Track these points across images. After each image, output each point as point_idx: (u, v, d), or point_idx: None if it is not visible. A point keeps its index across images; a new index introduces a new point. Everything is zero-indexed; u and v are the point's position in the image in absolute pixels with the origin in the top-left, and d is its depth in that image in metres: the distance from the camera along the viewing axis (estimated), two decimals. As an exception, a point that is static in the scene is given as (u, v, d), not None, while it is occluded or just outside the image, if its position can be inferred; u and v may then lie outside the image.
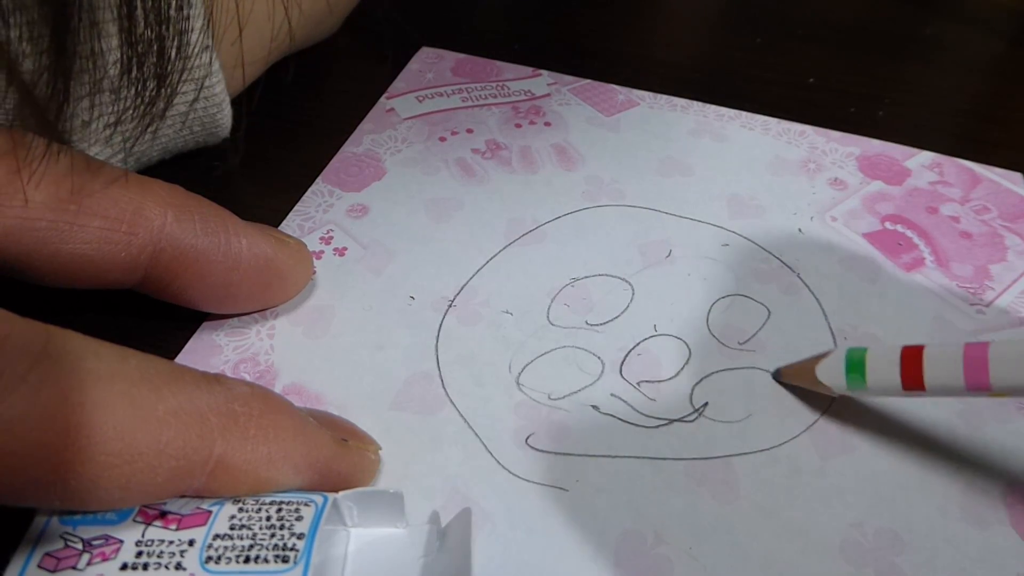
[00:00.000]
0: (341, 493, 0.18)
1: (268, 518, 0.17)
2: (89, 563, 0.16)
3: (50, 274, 0.20)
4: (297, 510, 0.17)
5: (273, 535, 0.17)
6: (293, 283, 0.24)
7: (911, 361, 0.20)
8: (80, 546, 0.16)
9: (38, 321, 0.16)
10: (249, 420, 0.17)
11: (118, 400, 0.16)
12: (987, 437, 0.22)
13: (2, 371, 0.15)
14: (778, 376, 0.24)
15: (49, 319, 0.16)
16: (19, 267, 0.19)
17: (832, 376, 0.22)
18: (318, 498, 0.18)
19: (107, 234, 0.20)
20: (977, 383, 0.19)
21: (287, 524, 0.17)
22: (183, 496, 0.17)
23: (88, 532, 0.16)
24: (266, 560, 0.16)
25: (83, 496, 0.16)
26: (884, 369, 0.20)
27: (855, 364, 0.21)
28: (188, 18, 0.25)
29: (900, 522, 0.21)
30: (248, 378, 0.23)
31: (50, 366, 0.15)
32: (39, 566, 0.16)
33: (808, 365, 0.22)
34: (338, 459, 0.19)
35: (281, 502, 0.17)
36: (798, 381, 0.23)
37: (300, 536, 0.17)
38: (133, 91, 0.21)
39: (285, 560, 0.16)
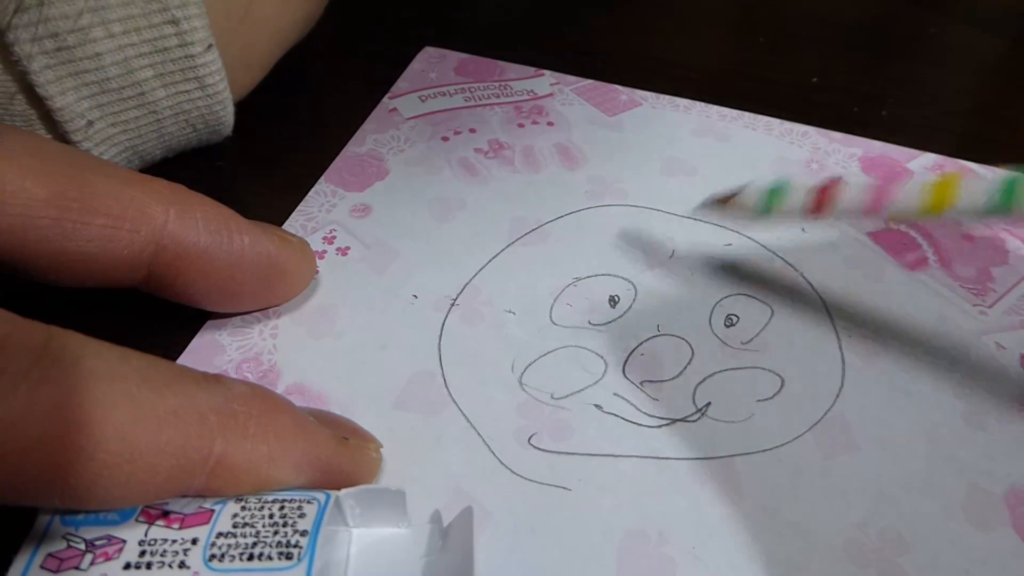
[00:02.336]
0: (343, 491, 0.18)
1: (271, 516, 0.17)
2: (92, 563, 0.16)
3: (54, 272, 0.20)
4: (300, 507, 0.17)
5: (276, 532, 0.17)
6: (296, 281, 0.24)
7: (824, 191, 0.22)
8: (83, 546, 0.16)
9: (38, 321, 0.16)
10: (249, 419, 0.17)
11: (118, 399, 0.16)
12: (990, 438, 0.22)
13: (2, 370, 0.15)
14: (712, 203, 0.26)
15: (52, 320, 0.16)
16: (23, 266, 0.20)
17: (751, 201, 0.24)
18: (320, 495, 0.18)
19: (110, 231, 0.20)
20: (876, 206, 0.21)
21: (290, 521, 0.17)
22: (184, 496, 0.17)
23: (90, 532, 0.16)
24: (270, 557, 0.16)
25: (83, 495, 0.16)
26: (800, 195, 0.23)
27: (776, 190, 0.23)
28: (190, 17, 0.25)
29: (903, 523, 0.21)
30: (251, 378, 0.23)
31: (50, 365, 0.15)
32: (42, 567, 0.16)
33: (735, 191, 0.25)
34: (339, 457, 0.19)
35: (284, 500, 0.17)
36: (726, 209, 0.25)
37: (303, 533, 0.17)
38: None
39: (289, 557, 0.16)
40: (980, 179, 0.20)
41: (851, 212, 0.21)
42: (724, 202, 0.25)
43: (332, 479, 0.18)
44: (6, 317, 0.16)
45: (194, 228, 0.21)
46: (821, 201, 0.22)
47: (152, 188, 0.21)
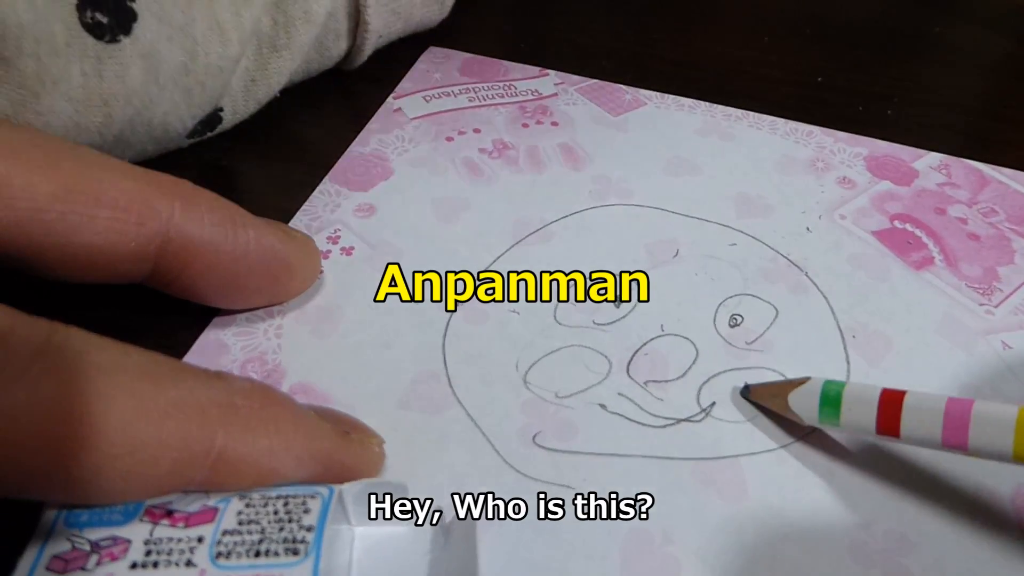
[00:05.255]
0: (346, 484, 0.18)
1: (275, 512, 0.17)
2: (98, 563, 0.16)
3: (60, 267, 0.20)
4: (304, 503, 0.17)
5: (282, 528, 0.17)
6: (301, 277, 0.24)
7: (889, 407, 0.19)
8: (87, 547, 0.16)
9: (41, 317, 0.16)
10: (250, 413, 0.17)
11: (120, 392, 0.16)
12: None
13: (5, 363, 0.15)
14: (746, 393, 0.23)
15: (58, 316, 0.16)
16: (30, 260, 0.20)
17: (805, 406, 0.21)
18: (324, 490, 0.18)
19: (116, 225, 0.20)
20: (955, 441, 0.18)
21: (295, 517, 0.17)
22: (186, 490, 0.17)
23: (95, 533, 0.16)
24: (276, 553, 0.16)
25: (85, 488, 0.16)
26: (860, 410, 0.20)
27: (830, 399, 0.20)
28: None
29: (908, 523, 0.20)
30: (256, 377, 0.23)
31: (52, 358, 0.15)
32: (47, 568, 0.16)
33: (781, 389, 0.22)
34: (341, 451, 0.19)
35: (288, 496, 0.17)
36: (767, 403, 0.22)
37: (309, 528, 0.17)
38: None
39: (295, 553, 0.16)
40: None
41: (926, 441, 0.19)
42: (765, 394, 0.22)
43: (334, 473, 0.18)
44: (9, 312, 0.16)
45: (199, 222, 0.21)
46: (887, 419, 0.19)
47: (158, 182, 0.21)
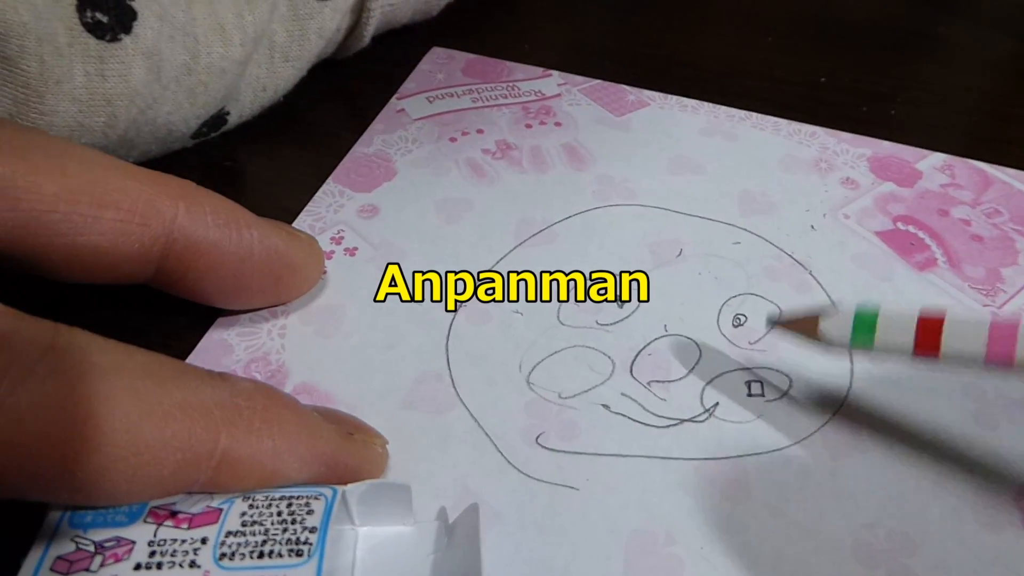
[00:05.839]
0: (349, 485, 0.18)
1: (279, 513, 0.17)
2: (102, 564, 0.16)
3: (65, 268, 0.20)
4: (307, 504, 0.17)
5: (285, 530, 0.17)
6: (305, 277, 0.24)
7: (929, 325, 0.19)
8: (92, 548, 0.16)
9: (46, 319, 0.16)
10: (253, 414, 0.17)
11: (123, 393, 0.16)
12: (1000, 439, 0.22)
13: (9, 364, 0.15)
14: (774, 320, 0.23)
15: (62, 317, 0.16)
16: (35, 261, 0.20)
17: (837, 332, 0.21)
18: (327, 491, 0.18)
19: (120, 225, 0.20)
20: (1001, 355, 0.18)
21: (298, 518, 0.17)
22: (190, 492, 0.17)
23: (99, 535, 0.16)
24: (280, 555, 0.16)
25: (89, 489, 0.16)
26: (897, 330, 0.20)
27: (865, 322, 0.20)
28: None
29: (912, 524, 0.20)
30: (260, 377, 0.23)
31: (56, 360, 0.15)
32: (51, 569, 0.16)
33: (810, 318, 0.21)
34: (344, 452, 0.19)
35: (291, 497, 0.17)
36: (796, 329, 0.22)
37: (312, 530, 0.17)
38: None
39: (299, 554, 0.16)
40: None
41: (970, 359, 0.19)
42: (794, 324, 0.22)
43: (338, 474, 0.19)
44: (14, 314, 0.16)
45: (203, 222, 0.21)
46: (927, 339, 0.19)
47: (162, 183, 0.21)
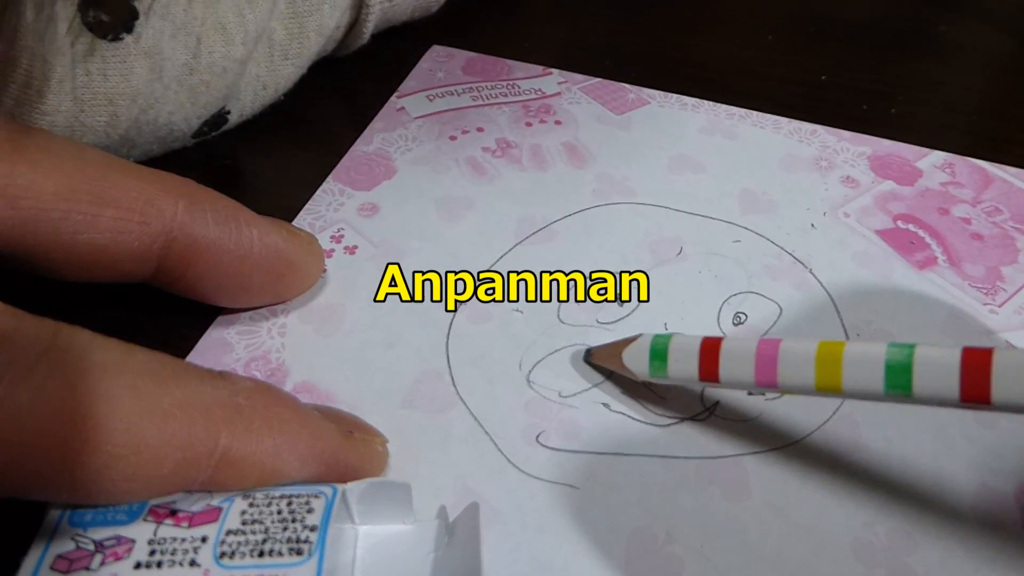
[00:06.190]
0: (349, 484, 0.18)
1: (279, 511, 0.17)
2: (102, 563, 0.16)
3: (66, 266, 0.20)
4: (308, 502, 0.17)
5: (285, 528, 0.17)
6: (305, 275, 0.24)
7: (709, 354, 0.20)
8: (92, 547, 0.16)
9: (46, 318, 0.16)
10: (253, 413, 0.17)
11: (124, 392, 0.16)
12: (1000, 437, 0.22)
13: (10, 363, 0.15)
14: (588, 357, 0.23)
15: (62, 316, 0.16)
16: (35, 259, 0.20)
17: (638, 362, 0.21)
18: (327, 489, 0.18)
19: (120, 223, 0.20)
20: (766, 380, 0.19)
21: (299, 517, 0.17)
22: (190, 491, 0.17)
23: (99, 533, 0.16)
24: (280, 553, 0.16)
25: (89, 488, 0.16)
26: (684, 360, 0.20)
27: (658, 352, 0.21)
28: None
29: (912, 522, 0.20)
30: (260, 376, 0.23)
31: (57, 358, 0.15)
32: (51, 568, 0.16)
33: (616, 348, 0.22)
34: (344, 450, 0.19)
35: (291, 495, 0.17)
36: (607, 363, 0.23)
37: (313, 528, 0.17)
38: None
39: (299, 552, 0.16)
40: (866, 352, 0.18)
41: (741, 383, 0.20)
42: (600, 356, 0.23)
43: (338, 473, 0.19)
44: (14, 312, 0.16)
45: (203, 220, 0.21)
46: (708, 366, 0.20)
47: (161, 181, 0.21)
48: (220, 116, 0.29)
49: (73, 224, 0.19)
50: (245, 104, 0.30)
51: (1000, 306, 0.26)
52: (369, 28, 0.33)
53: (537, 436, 0.22)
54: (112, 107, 0.25)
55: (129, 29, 0.24)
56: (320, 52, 0.32)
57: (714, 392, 0.23)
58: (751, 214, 0.28)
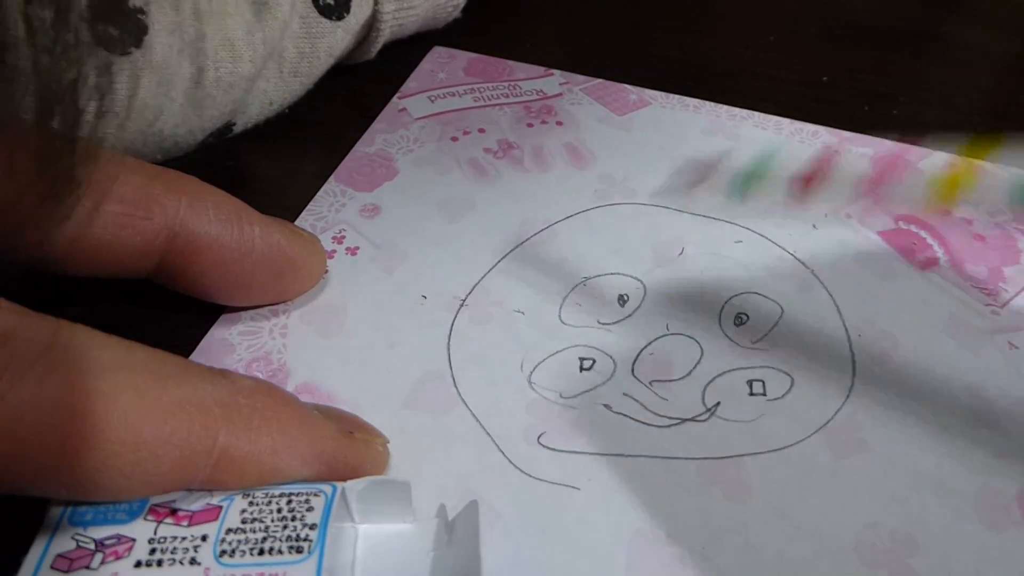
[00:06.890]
0: (349, 482, 0.18)
1: (279, 510, 0.17)
2: (103, 562, 0.16)
3: (68, 261, 0.20)
4: (307, 501, 0.17)
5: (285, 527, 0.17)
6: (306, 275, 0.24)
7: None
8: (92, 546, 0.16)
9: (47, 315, 0.16)
10: (253, 411, 0.17)
11: (123, 390, 0.16)
12: (1002, 438, 0.22)
13: (10, 360, 0.15)
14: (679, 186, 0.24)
15: (64, 313, 0.16)
16: (39, 255, 0.20)
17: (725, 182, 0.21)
18: (327, 488, 0.18)
19: (124, 219, 0.20)
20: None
21: (298, 515, 0.17)
22: (190, 489, 0.17)
23: (99, 532, 0.16)
24: (280, 551, 0.16)
25: (88, 484, 0.16)
26: None
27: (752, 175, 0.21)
28: None
29: (914, 523, 0.20)
30: (261, 377, 0.23)
31: (57, 356, 0.15)
32: (52, 567, 0.16)
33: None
34: (344, 450, 0.19)
35: (291, 494, 0.17)
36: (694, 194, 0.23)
37: (312, 527, 0.17)
38: None
39: (299, 551, 0.16)
40: (992, 175, 0.18)
41: (845, 194, 0.19)
42: (694, 185, 0.22)
43: (338, 472, 0.19)
44: (15, 309, 0.16)
45: (206, 217, 0.21)
46: (808, 184, 0.20)
47: (164, 178, 0.21)
48: (225, 129, 0.29)
49: (77, 220, 0.19)
50: (250, 118, 0.30)
51: (1002, 307, 0.26)
52: (377, 48, 0.33)
53: (539, 437, 0.22)
54: (117, 119, 0.25)
55: (138, 43, 0.24)
56: (328, 69, 0.32)
57: (715, 393, 0.23)
58: (752, 215, 0.28)
